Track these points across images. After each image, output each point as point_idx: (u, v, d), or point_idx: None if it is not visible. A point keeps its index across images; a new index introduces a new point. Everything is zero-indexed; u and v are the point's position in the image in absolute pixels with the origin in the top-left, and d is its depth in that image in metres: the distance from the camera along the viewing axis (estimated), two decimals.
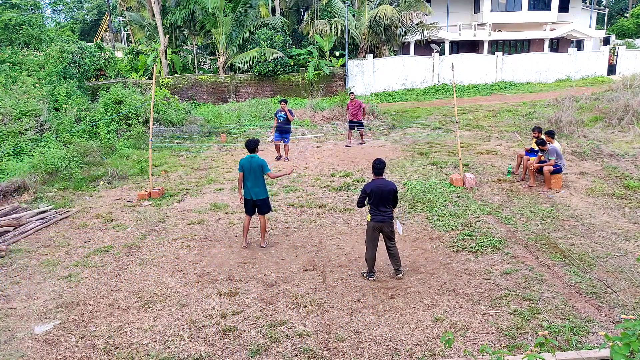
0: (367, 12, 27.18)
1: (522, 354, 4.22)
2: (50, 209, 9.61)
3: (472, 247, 7.18)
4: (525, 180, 10.26)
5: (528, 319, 5.27)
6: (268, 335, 5.18)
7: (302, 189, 10.57)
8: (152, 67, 24.53)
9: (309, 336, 5.16)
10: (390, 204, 6.23)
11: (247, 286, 6.32)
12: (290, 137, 13.69)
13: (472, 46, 34.06)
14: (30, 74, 19.26)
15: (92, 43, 28.44)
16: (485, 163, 12.03)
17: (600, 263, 6.54)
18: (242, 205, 7.74)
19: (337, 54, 28.22)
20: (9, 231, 8.36)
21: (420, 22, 28.92)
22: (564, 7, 34.77)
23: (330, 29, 27.94)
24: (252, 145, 7.48)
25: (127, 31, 40.09)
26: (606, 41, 33.74)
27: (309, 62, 27.06)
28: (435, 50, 31.01)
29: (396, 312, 5.58)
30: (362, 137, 15.21)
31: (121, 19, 42.61)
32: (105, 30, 42.28)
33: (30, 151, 12.94)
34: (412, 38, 29.91)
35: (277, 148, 13.52)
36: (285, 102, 13.40)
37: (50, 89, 18.00)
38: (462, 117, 17.86)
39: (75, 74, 21.37)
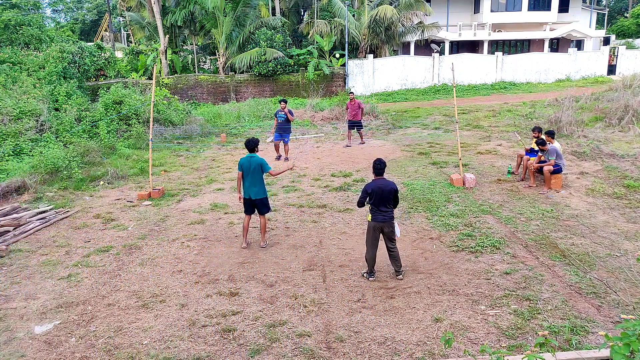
0: (367, 12, 27.19)
1: (522, 354, 4.22)
2: (50, 209, 9.62)
3: (472, 247, 7.18)
4: (525, 180, 10.26)
5: (528, 319, 5.27)
6: (268, 335, 5.18)
7: (302, 189, 10.57)
8: (152, 67, 24.54)
9: (309, 336, 5.16)
10: (390, 204, 6.24)
11: (247, 286, 6.32)
12: (290, 137, 13.68)
13: (472, 46, 34.06)
14: (30, 74, 19.27)
15: (92, 43, 28.44)
16: (485, 163, 12.03)
17: (600, 263, 6.54)
18: (242, 205, 7.75)
19: (338, 55, 28.18)
20: (9, 231, 8.36)
21: (420, 22, 28.93)
22: (564, 7, 34.77)
23: (330, 29, 27.94)
24: (251, 145, 7.49)
25: (127, 31, 40.09)
26: (606, 41, 33.74)
27: (309, 62, 27.06)
28: (435, 50, 31.01)
29: (396, 312, 5.58)
30: (361, 137, 15.21)
31: (121, 19, 42.62)
32: (105, 30, 42.29)
33: (30, 151, 12.94)
34: (412, 38, 29.91)
35: (277, 148, 13.52)
36: (285, 102, 13.39)
37: (50, 89, 18.01)
38: (462, 117, 17.86)
39: (75, 74, 21.38)
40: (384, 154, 12.91)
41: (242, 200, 7.66)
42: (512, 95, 24.76)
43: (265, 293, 6.13)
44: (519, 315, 5.35)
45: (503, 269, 6.49)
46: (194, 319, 5.57)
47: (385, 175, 6.44)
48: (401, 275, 6.39)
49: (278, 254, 7.33)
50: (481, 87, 27.69)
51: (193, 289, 6.30)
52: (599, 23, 41.47)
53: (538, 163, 9.86)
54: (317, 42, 28.61)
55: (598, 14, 40.37)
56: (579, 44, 34.22)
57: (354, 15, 28.60)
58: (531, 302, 5.62)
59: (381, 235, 6.32)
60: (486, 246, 7.19)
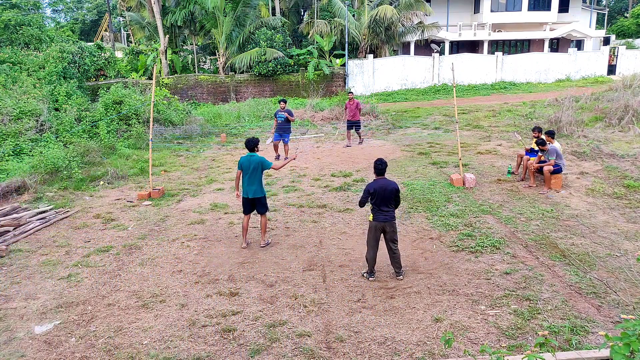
0: (367, 12, 27.19)
1: (522, 354, 4.22)
2: (50, 209, 9.62)
3: (472, 247, 7.18)
4: (525, 180, 10.26)
5: (528, 319, 5.27)
6: (268, 335, 5.18)
7: (302, 189, 10.57)
8: (152, 67, 24.54)
9: (309, 336, 5.16)
10: (392, 204, 6.24)
11: (247, 286, 6.32)
12: (290, 137, 13.67)
13: (472, 46, 34.06)
14: (30, 74, 19.28)
15: (92, 43, 28.45)
16: (485, 163, 12.03)
17: (600, 263, 6.54)
18: (241, 204, 7.76)
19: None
20: (9, 231, 8.36)
21: (420, 22, 28.93)
22: (564, 7, 34.78)
23: (330, 29, 27.94)
24: (251, 145, 7.50)
25: (127, 31, 40.09)
26: (606, 41, 33.74)
27: (309, 62, 27.06)
28: (435, 50, 31.01)
29: (396, 312, 5.58)
30: (360, 137, 15.18)
31: (121, 19, 42.62)
32: (105, 30, 42.29)
33: (30, 151, 12.94)
34: (412, 38, 29.91)
35: (276, 148, 13.50)
36: (285, 102, 13.39)
37: (50, 89, 18.01)
38: (462, 117, 17.86)
39: (75, 74, 21.38)
40: (384, 154, 12.90)
41: (239, 198, 7.71)
42: (512, 95, 24.76)
43: (265, 293, 6.13)
44: (519, 315, 5.35)
45: (503, 269, 6.48)
46: (194, 319, 5.57)
47: (386, 175, 6.44)
48: (401, 276, 6.39)
49: (278, 254, 7.33)
50: (481, 87, 27.70)
51: (193, 289, 6.30)
52: (599, 23, 41.47)
53: (538, 163, 9.86)
54: (317, 42, 28.61)
55: (598, 14, 40.37)
56: (579, 44, 34.23)
57: (354, 15, 28.61)
58: (531, 302, 5.62)
59: (382, 235, 6.32)
60: (486, 246, 7.19)
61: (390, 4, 27.52)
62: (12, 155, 12.66)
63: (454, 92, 11.30)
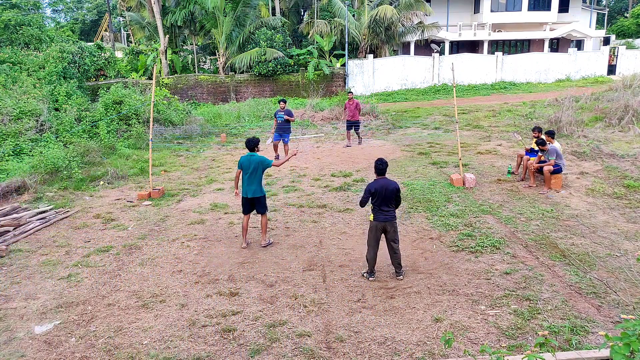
0: (367, 12, 27.19)
1: (522, 354, 4.22)
2: (50, 209, 9.62)
3: (472, 247, 7.18)
4: (525, 180, 10.26)
5: (528, 319, 5.27)
6: (268, 335, 5.18)
7: (302, 189, 10.57)
8: (152, 67, 24.54)
9: (309, 336, 5.16)
10: (392, 204, 6.24)
11: (247, 286, 6.32)
12: (290, 137, 13.67)
13: (472, 46, 34.06)
14: (30, 74, 19.28)
15: (92, 43, 28.45)
16: (485, 163, 12.03)
17: (600, 263, 6.54)
18: (241, 204, 7.77)
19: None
20: (9, 231, 8.36)
21: (420, 22, 28.93)
22: (564, 7, 34.78)
23: (330, 29, 27.94)
24: (251, 144, 7.51)
25: (127, 31, 40.10)
26: (606, 41, 33.74)
27: (309, 62, 27.07)
28: (435, 50, 31.01)
29: (396, 312, 5.58)
30: (359, 137, 15.16)
31: (121, 19, 42.62)
32: (105, 30, 42.29)
33: (30, 151, 12.94)
34: (412, 38, 29.91)
35: (276, 148, 13.48)
36: (285, 102, 13.38)
37: (50, 89, 18.01)
38: (462, 117, 17.86)
39: (75, 74, 21.38)
40: (384, 154, 12.90)
41: (238, 197, 7.76)
42: (512, 95, 24.76)
43: (265, 293, 6.12)
44: (519, 315, 5.35)
45: (503, 269, 6.48)
46: (194, 319, 5.57)
47: (386, 175, 6.44)
48: (401, 276, 6.39)
49: (278, 254, 7.33)
50: (481, 87, 27.70)
51: (193, 289, 6.30)
52: (599, 23, 41.47)
53: (538, 163, 9.86)
54: (317, 42, 28.61)
55: (598, 14, 40.37)
56: (579, 44, 34.22)
57: (354, 15, 28.61)
58: (531, 302, 5.62)
59: (383, 235, 6.32)
60: (486, 246, 7.19)
61: (390, 4, 27.53)
62: (12, 155, 12.66)
63: (454, 92, 11.30)
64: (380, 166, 6.29)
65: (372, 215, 6.28)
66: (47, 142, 13.34)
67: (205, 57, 32.72)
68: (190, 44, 31.47)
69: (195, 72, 28.91)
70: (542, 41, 33.20)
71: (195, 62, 30.22)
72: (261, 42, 25.86)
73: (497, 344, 4.86)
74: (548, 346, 3.20)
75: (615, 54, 30.98)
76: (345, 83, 27.22)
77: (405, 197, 9.50)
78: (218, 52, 27.57)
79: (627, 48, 33.00)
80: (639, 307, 5.41)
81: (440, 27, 30.27)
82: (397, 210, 6.47)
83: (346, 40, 26.92)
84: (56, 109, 16.81)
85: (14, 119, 14.37)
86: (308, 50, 28.31)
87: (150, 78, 25.97)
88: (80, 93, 19.80)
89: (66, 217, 9.32)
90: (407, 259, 6.91)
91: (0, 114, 14.31)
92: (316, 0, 31.52)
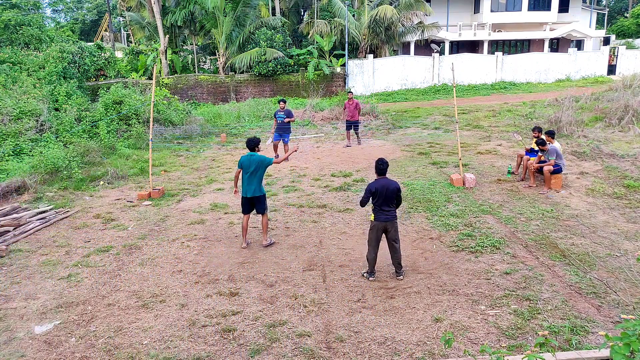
0: (367, 12, 27.19)
1: (522, 354, 4.22)
2: (50, 209, 9.62)
3: (472, 247, 7.18)
4: (525, 180, 10.26)
5: (528, 319, 5.27)
6: (268, 335, 5.18)
7: (302, 189, 10.57)
8: (152, 67, 24.54)
9: (309, 336, 5.16)
10: (393, 203, 6.24)
11: (247, 286, 6.32)
12: (290, 137, 13.67)
13: (472, 46, 34.06)
14: (30, 74, 19.27)
15: (92, 43, 28.45)
16: (485, 163, 12.03)
17: (600, 263, 6.54)
18: (240, 204, 7.77)
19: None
20: (9, 231, 8.36)
21: (420, 22, 28.93)
22: (564, 7, 34.78)
23: (330, 29, 27.94)
24: (251, 144, 7.53)
25: (127, 31, 40.10)
26: (606, 41, 33.74)
27: (309, 62, 27.07)
28: (435, 50, 31.01)
29: (396, 312, 5.58)
30: (358, 138, 15.12)
31: (121, 19, 42.62)
32: (105, 30, 42.29)
33: (30, 151, 12.94)
34: (412, 38, 29.91)
35: (275, 148, 13.48)
36: (284, 102, 13.39)
37: (50, 89, 18.01)
38: (462, 117, 17.87)
39: (75, 74, 21.38)
40: (384, 154, 12.90)
41: (237, 194, 7.84)
42: (512, 95, 24.76)
43: (265, 293, 6.12)
44: (519, 315, 5.35)
45: (503, 269, 6.48)
46: (194, 319, 5.57)
47: (386, 175, 6.44)
48: (401, 276, 6.39)
49: (278, 254, 7.33)
50: (481, 87, 27.70)
51: (193, 289, 6.30)
52: (599, 23, 41.47)
53: (538, 163, 9.86)
54: (317, 42, 28.61)
55: (598, 14, 40.37)
56: (579, 44, 34.23)
57: (354, 15, 28.61)
58: (531, 302, 5.62)
59: (383, 235, 6.32)
60: (486, 246, 7.19)
61: (390, 4, 27.53)
62: (12, 155, 12.66)
63: (454, 92, 11.29)
64: (381, 166, 6.29)
65: (373, 215, 6.28)
66: (47, 142, 13.34)
67: (205, 57, 32.73)
68: (190, 44, 31.47)
69: (195, 72, 28.91)
70: (542, 41, 33.20)
71: (195, 62, 30.22)
72: (261, 42, 25.86)
73: (497, 344, 4.86)
74: (548, 346, 3.20)
75: (615, 54, 30.98)
76: (345, 83, 27.22)
77: (405, 197, 9.50)
78: (218, 52, 27.57)
79: (627, 48, 33.01)
80: (639, 307, 5.41)
81: (440, 27, 30.28)
82: (397, 210, 6.47)
83: (346, 40, 26.92)
84: (56, 109, 16.81)
85: (14, 119, 14.37)
86: (308, 50, 28.31)
87: (150, 78, 25.97)
88: (80, 93, 19.80)
89: (66, 217, 9.32)
90: (407, 259, 6.91)
91: (0, 114, 14.30)
92: (316, 0, 31.52)
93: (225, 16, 26.61)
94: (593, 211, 8.49)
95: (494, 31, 33.27)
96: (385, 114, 20.02)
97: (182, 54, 31.40)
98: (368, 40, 27.96)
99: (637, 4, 48.70)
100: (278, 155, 13.34)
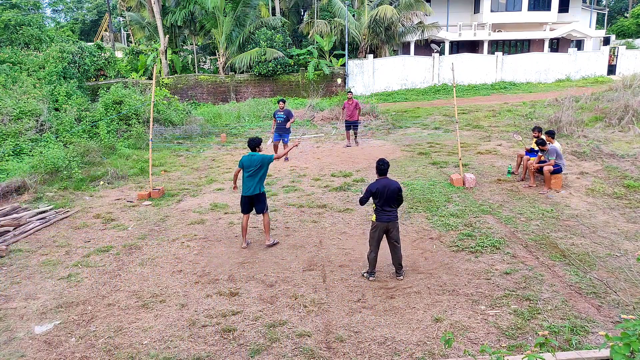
0: (367, 12, 27.19)
1: (522, 354, 4.22)
2: (50, 209, 9.62)
3: (472, 247, 7.18)
4: (525, 180, 10.26)
5: (528, 319, 5.27)
6: (268, 335, 5.18)
7: (302, 189, 10.57)
8: (152, 67, 24.54)
9: (309, 336, 5.16)
10: (394, 204, 6.24)
11: (247, 286, 6.32)
12: (289, 137, 13.67)
13: (472, 46, 34.06)
14: (30, 74, 19.27)
15: (92, 43, 28.45)
16: (485, 163, 12.03)
17: (600, 263, 6.54)
18: (240, 203, 7.78)
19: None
20: (9, 231, 8.36)
21: (420, 22, 28.93)
22: (564, 7, 34.77)
23: (330, 29, 27.94)
24: (252, 144, 7.56)
25: (127, 31, 40.10)
26: (606, 41, 33.74)
27: (309, 62, 27.07)
28: (435, 50, 31.01)
29: (396, 312, 5.58)
30: (356, 137, 15.08)
31: (121, 19, 42.62)
32: (105, 30, 42.29)
33: (30, 151, 12.94)
34: (412, 38, 29.91)
35: (276, 148, 13.49)
36: (284, 102, 13.40)
37: (50, 89, 18.01)
38: (462, 117, 17.86)
39: (75, 74, 21.38)
40: (384, 154, 12.90)
41: (236, 190, 7.98)
42: (512, 95, 24.76)
43: (265, 293, 6.12)
44: (519, 315, 5.35)
45: (503, 269, 6.48)
46: (194, 319, 5.57)
47: (387, 175, 6.44)
48: (401, 276, 6.39)
49: (278, 254, 7.33)
50: (481, 87, 27.70)
51: (193, 289, 6.30)
52: (599, 23, 41.47)
53: (538, 163, 9.86)
54: (317, 42, 28.61)
55: (598, 14, 40.37)
56: (579, 44, 34.23)
57: (354, 15, 28.60)
58: (531, 302, 5.62)
59: (384, 235, 6.32)
60: (486, 246, 7.19)
61: (390, 4, 27.52)
62: (12, 155, 12.66)
63: (454, 92, 11.29)
64: (382, 166, 6.29)
65: (374, 215, 6.27)
66: (47, 142, 13.34)
67: (205, 57, 32.72)
68: (190, 44, 31.47)
69: (195, 72, 28.91)
70: (542, 41, 33.20)
71: (195, 62, 30.22)
72: (261, 42, 25.86)
73: (497, 344, 4.86)
74: (548, 346, 3.20)
75: (615, 54, 30.98)
76: (345, 83, 27.22)
77: (405, 197, 9.49)
78: (218, 52, 27.57)
79: (627, 48, 33.00)
80: (639, 307, 5.41)
81: (440, 27, 30.27)
82: (398, 210, 6.47)
83: (346, 40, 26.92)
84: (56, 109, 16.81)
85: (14, 119, 14.37)
86: (308, 50, 28.31)
87: (150, 78, 25.97)
88: (80, 93, 19.80)
89: (66, 217, 9.32)
90: (407, 259, 6.91)
91: (0, 114, 14.30)
92: (316, 0, 31.52)
93: (225, 16, 26.61)
94: (593, 211, 8.49)
95: (494, 31, 33.27)
96: (385, 114, 20.02)
97: (182, 54, 31.40)
98: (368, 40, 27.96)
99: (637, 4, 48.70)
100: None
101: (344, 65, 27.49)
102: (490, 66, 28.60)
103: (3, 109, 14.51)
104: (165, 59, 27.06)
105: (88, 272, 6.90)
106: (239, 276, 6.62)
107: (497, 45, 34.34)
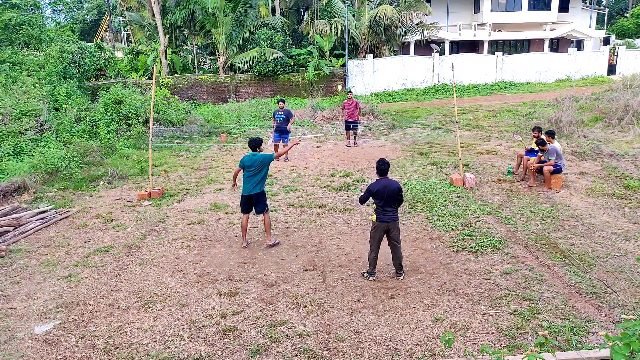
0: (367, 12, 27.19)
1: (522, 354, 4.22)
2: (50, 209, 9.61)
3: (472, 247, 7.18)
4: (525, 180, 10.26)
5: (528, 319, 5.27)
6: (268, 335, 5.18)
7: (302, 189, 10.57)
8: (152, 67, 24.54)
9: (309, 336, 5.16)
10: (395, 204, 6.24)
11: (247, 286, 6.32)
12: (289, 137, 13.68)
13: (472, 46, 34.06)
14: (30, 74, 19.27)
15: (92, 43, 28.45)
16: (485, 163, 12.03)
17: (600, 263, 6.54)
18: (240, 203, 7.78)
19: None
20: (9, 231, 8.36)
21: (420, 22, 28.93)
22: (564, 7, 34.78)
23: (330, 29, 27.94)
24: (253, 144, 7.56)
25: (127, 31, 40.10)
26: (606, 41, 33.74)
27: (309, 62, 27.07)
28: (435, 50, 31.01)
29: (396, 312, 5.58)
30: (354, 137, 15.05)
31: (121, 19, 42.62)
32: (105, 30, 42.29)
33: (30, 151, 12.94)
34: (412, 38, 29.91)
35: (276, 148, 13.49)
36: (283, 101, 13.41)
37: (50, 89, 18.01)
38: (462, 117, 17.86)
39: (75, 74, 21.38)
40: (384, 154, 12.90)
41: (235, 187, 8.10)
42: (512, 95, 24.76)
43: (265, 293, 6.12)
44: (519, 315, 5.35)
45: (503, 269, 6.48)
46: (194, 319, 5.57)
47: (387, 175, 6.44)
48: (401, 276, 6.39)
49: (278, 254, 7.33)
50: (481, 87, 27.70)
51: (193, 289, 6.30)
52: (599, 23, 41.47)
53: (538, 163, 9.86)
54: (317, 42, 28.61)
55: (598, 14, 40.37)
56: (579, 44, 34.23)
57: (354, 15, 28.60)
58: (531, 302, 5.62)
59: (384, 235, 6.32)
60: (486, 246, 7.19)
61: (390, 4, 27.52)
62: (12, 155, 12.66)
63: (454, 92, 11.29)
64: (382, 166, 6.29)
65: (375, 216, 6.27)
66: (47, 142, 13.34)
67: (205, 57, 32.72)
68: (190, 44, 31.46)
69: (195, 72, 28.91)
70: (542, 41, 33.20)
71: (195, 62, 30.22)
72: (261, 42, 25.86)
73: (497, 344, 4.86)
74: (548, 346, 3.20)
75: (615, 54, 30.98)
76: (345, 83, 27.22)
77: (406, 197, 9.48)
78: (218, 52, 27.57)
79: (627, 48, 33.01)
80: (639, 307, 5.41)
81: (440, 27, 30.27)
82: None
83: (346, 40, 26.92)
84: (56, 109, 16.81)
85: (14, 119, 14.37)
86: (308, 50, 28.31)
87: (150, 78, 25.97)
88: (80, 93, 19.80)
89: (66, 217, 9.32)
90: (407, 259, 6.91)
91: (0, 114, 14.30)
92: (316, 0, 31.52)
93: (225, 16, 26.61)
94: (593, 211, 8.49)
95: (494, 31, 33.27)
96: (385, 114, 20.02)
97: (182, 54, 31.40)
98: (368, 40, 27.96)
99: (637, 4, 48.70)
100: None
101: (344, 65, 27.48)
102: (490, 66, 28.61)
103: (3, 109, 14.51)
104: (165, 59, 27.06)
105: (88, 272, 6.90)
106: (239, 276, 6.62)
107: (497, 45, 34.34)
